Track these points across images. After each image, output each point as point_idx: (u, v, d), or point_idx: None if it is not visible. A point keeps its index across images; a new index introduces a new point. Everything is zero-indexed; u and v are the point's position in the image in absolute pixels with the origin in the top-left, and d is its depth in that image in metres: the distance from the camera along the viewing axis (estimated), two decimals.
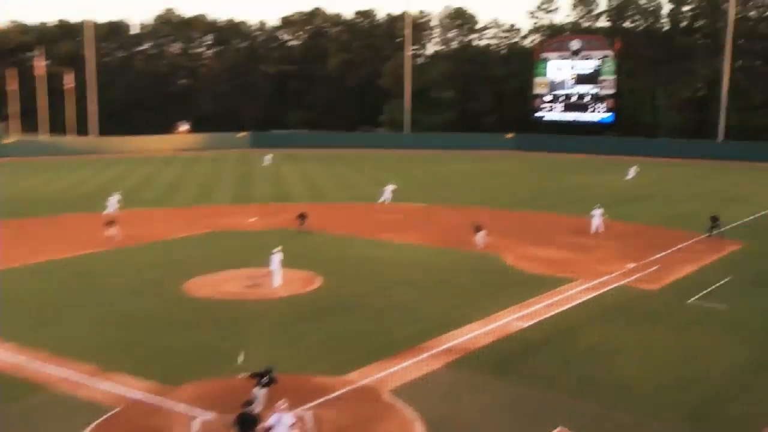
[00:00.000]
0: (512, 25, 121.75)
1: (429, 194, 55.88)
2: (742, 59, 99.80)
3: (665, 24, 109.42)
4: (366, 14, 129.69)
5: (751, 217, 45.23)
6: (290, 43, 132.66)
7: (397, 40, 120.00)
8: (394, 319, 24.18)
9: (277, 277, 27.81)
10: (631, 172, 67.33)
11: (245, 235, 38.88)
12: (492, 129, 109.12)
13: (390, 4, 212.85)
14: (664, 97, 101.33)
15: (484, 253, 34.31)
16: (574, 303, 26.19)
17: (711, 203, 47.88)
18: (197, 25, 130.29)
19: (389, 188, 50.85)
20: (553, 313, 24.96)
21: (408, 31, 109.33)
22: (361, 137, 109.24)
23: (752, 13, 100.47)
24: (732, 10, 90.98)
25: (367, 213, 46.92)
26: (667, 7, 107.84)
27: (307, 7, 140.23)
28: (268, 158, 79.54)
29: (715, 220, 38.69)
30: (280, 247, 28.53)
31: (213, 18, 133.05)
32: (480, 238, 35.87)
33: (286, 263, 28.41)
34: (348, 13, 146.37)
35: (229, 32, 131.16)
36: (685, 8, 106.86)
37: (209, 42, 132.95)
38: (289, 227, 39.77)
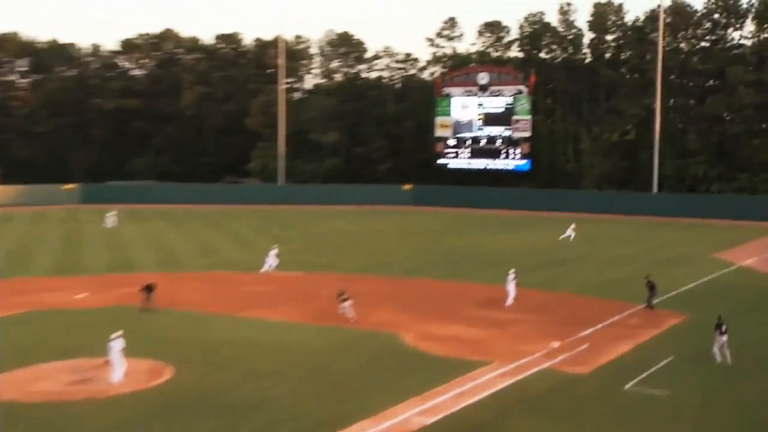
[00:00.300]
0: (408, 54, 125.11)
1: (308, 260, 55.76)
2: (675, 97, 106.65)
3: (587, 55, 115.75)
4: (229, 38, 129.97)
5: (694, 284, 47.52)
6: (133, 73, 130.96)
7: (269, 70, 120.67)
8: (265, 418, 23.73)
9: (117, 369, 26.86)
10: (569, 231, 69.64)
11: (72, 315, 37.54)
12: (386, 179, 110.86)
13: (259, 27, 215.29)
14: (588, 141, 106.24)
15: (377, 331, 34.35)
16: (488, 392, 26.42)
17: (646, 267, 49.94)
18: (7, 45, 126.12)
19: (273, 252, 50.95)
20: (463, 405, 25.04)
21: (281, 60, 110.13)
22: (225, 190, 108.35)
23: (683, 45, 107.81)
24: (660, 41, 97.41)
25: (231, 284, 46.30)
26: (588, 36, 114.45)
27: (154, 28, 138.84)
28: (111, 216, 77.25)
29: (650, 284, 40.36)
30: (120, 331, 27.62)
31: (29, 38, 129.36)
32: (345, 307, 36.47)
33: (128, 350, 27.48)
34: (207, 36, 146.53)
35: (52, 56, 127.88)
36: (609, 37, 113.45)
37: (24, 68, 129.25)
38: (132, 303, 38.75)
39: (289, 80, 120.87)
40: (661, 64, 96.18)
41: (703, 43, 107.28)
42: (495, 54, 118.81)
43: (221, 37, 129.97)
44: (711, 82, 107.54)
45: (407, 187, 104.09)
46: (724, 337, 29.97)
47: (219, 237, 69.64)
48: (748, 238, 71.80)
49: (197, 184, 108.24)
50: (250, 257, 56.10)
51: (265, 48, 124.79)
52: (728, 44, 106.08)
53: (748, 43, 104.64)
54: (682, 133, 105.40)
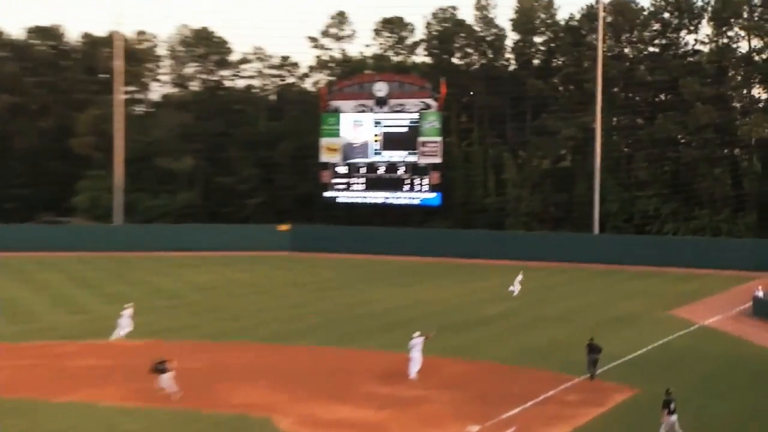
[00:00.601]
0: (285, 58, 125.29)
1: (155, 323, 54.76)
2: (619, 115, 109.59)
3: (511, 62, 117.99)
4: (47, 33, 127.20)
5: (645, 349, 48.34)
6: None
7: (102, 76, 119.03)
8: None
9: None
10: (517, 283, 70.22)
11: None
12: (257, 218, 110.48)
13: (88, 19, 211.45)
14: (513, 169, 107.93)
15: (245, 415, 33.82)
16: None
17: (587, 328, 50.62)
18: None
19: (127, 313, 50.15)
20: None
21: (119, 63, 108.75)
22: (41, 232, 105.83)
23: (627, 50, 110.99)
24: (600, 45, 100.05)
25: (48, 358, 45.00)
26: (512, 37, 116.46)
27: None
28: None
29: (593, 350, 40.87)
30: None
31: None
32: (166, 382, 36.26)
33: None
34: (16, 30, 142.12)
35: None
36: (538, 39, 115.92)
37: None
38: None
39: (130, 89, 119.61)
40: (601, 73, 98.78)
41: (651, 49, 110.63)
42: (396, 59, 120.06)
43: (36, 31, 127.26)
44: (662, 96, 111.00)
45: (284, 227, 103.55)
46: (674, 417, 30.32)
47: (32, 295, 67.91)
48: (711, 291, 73.88)
49: (1, 226, 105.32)
50: (75, 321, 54.75)
51: (97, 46, 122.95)
52: (681, 50, 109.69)
53: (705, 49, 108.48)
54: (629, 160, 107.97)
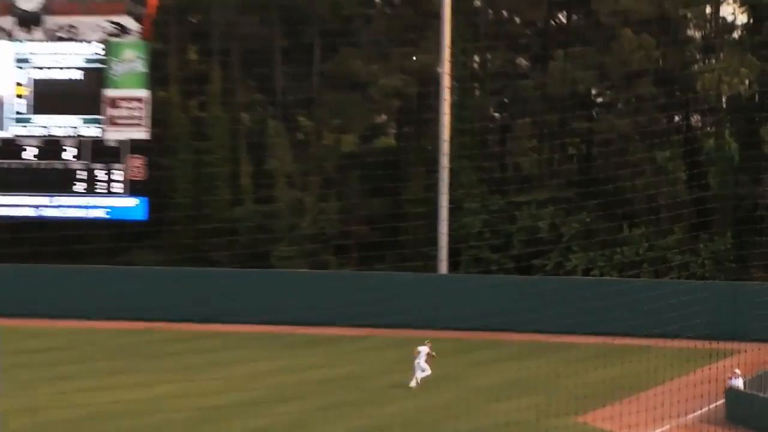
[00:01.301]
0: None
1: None
2: (484, 51, 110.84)
3: None
4: None
5: None
6: None
7: None
8: None
9: None
10: (422, 363, 69.61)
11: None
12: None
13: None
14: (288, 152, 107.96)
15: None
16: None
17: None
18: None
19: None
20: None
21: None
22: None
23: None
24: None
25: None
26: None
27: None
28: None
29: None
30: None
31: None
32: None
33: None
34: None
35: None
36: None
37: None
38: None
39: None
40: None
41: None
42: None
43: None
44: (561, 16, 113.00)
45: None
46: None
47: None
48: (651, 378, 72.93)
49: None
50: None
51: None
52: None
53: None
54: (502, 135, 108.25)
